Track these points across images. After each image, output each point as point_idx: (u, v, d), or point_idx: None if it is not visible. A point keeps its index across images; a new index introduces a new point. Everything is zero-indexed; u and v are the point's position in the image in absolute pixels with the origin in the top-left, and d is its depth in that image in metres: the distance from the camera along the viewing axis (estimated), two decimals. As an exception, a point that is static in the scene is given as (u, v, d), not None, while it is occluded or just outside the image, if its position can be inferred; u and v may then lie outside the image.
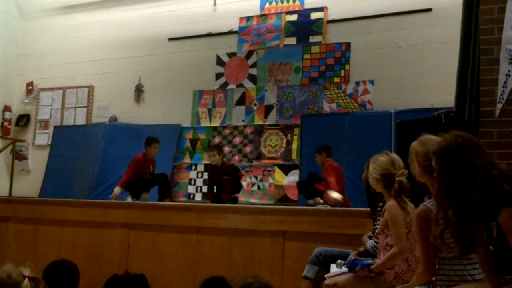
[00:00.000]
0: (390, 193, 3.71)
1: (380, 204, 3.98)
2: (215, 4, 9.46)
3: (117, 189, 7.93)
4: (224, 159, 8.78)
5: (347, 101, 8.78)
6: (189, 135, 9.80)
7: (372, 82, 8.65)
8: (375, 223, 4.18)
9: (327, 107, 8.89)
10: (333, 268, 4.06)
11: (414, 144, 3.26)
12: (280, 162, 9.01)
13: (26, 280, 2.68)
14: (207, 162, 9.01)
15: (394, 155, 3.81)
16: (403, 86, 8.44)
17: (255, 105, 9.42)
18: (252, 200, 8.97)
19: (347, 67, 8.89)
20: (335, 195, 7.41)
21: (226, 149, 9.42)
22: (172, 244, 6.39)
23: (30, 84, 11.42)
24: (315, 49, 9.16)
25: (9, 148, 9.97)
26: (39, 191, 10.39)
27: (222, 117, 9.61)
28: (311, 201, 7.74)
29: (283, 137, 9.04)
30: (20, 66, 11.64)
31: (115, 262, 6.58)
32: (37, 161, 11.02)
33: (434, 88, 8.12)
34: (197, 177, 9.51)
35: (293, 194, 8.75)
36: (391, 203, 3.69)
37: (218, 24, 9.86)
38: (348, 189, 7.80)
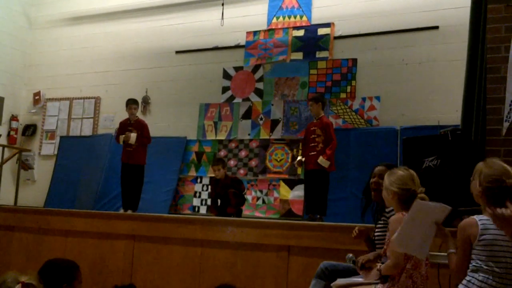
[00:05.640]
0: (402, 208, 3.67)
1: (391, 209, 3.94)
2: (222, 18, 9.50)
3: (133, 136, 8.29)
4: (228, 173, 8.80)
5: (353, 117, 8.79)
6: (194, 148, 9.81)
7: (378, 98, 8.66)
8: (376, 224, 4.33)
9: (333, 122, 8.89)
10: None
11: (480, 165, 3.29)
12: (286, 176, 8.99)
13: (19, 285, 2.73)
14: (212, 175, 9.02)
15: (413, 171, 3.77)
16: (410, 103, 8.44)
17: (261, 119, 9.44)
18: (257, 214, 8.94)
19: (353, 83, 8.90)
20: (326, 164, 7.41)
21: (232, 162, 9.43)
22: (176, 257, 6.40)
23: (37, 94, 11.48)
24: (321, 64, 9.18)
25: (15, 157, 9.99)
26: (44, 201, 10.42)
27: (228, 130, 9.63)
28: None
29: (289, 151, 9.04)
30: (28, 76, 11.72)
31: (119, 274, 6.60)
32: (42, 171, 11.06)
33: (441, 105, 8.12)
34: (202, 190, 9.51)
35: (298, 209, 8.72)
36: (397, 217, 3.66)
37: (225, 38, 9.90)
38: (353, 204, 7.75)
